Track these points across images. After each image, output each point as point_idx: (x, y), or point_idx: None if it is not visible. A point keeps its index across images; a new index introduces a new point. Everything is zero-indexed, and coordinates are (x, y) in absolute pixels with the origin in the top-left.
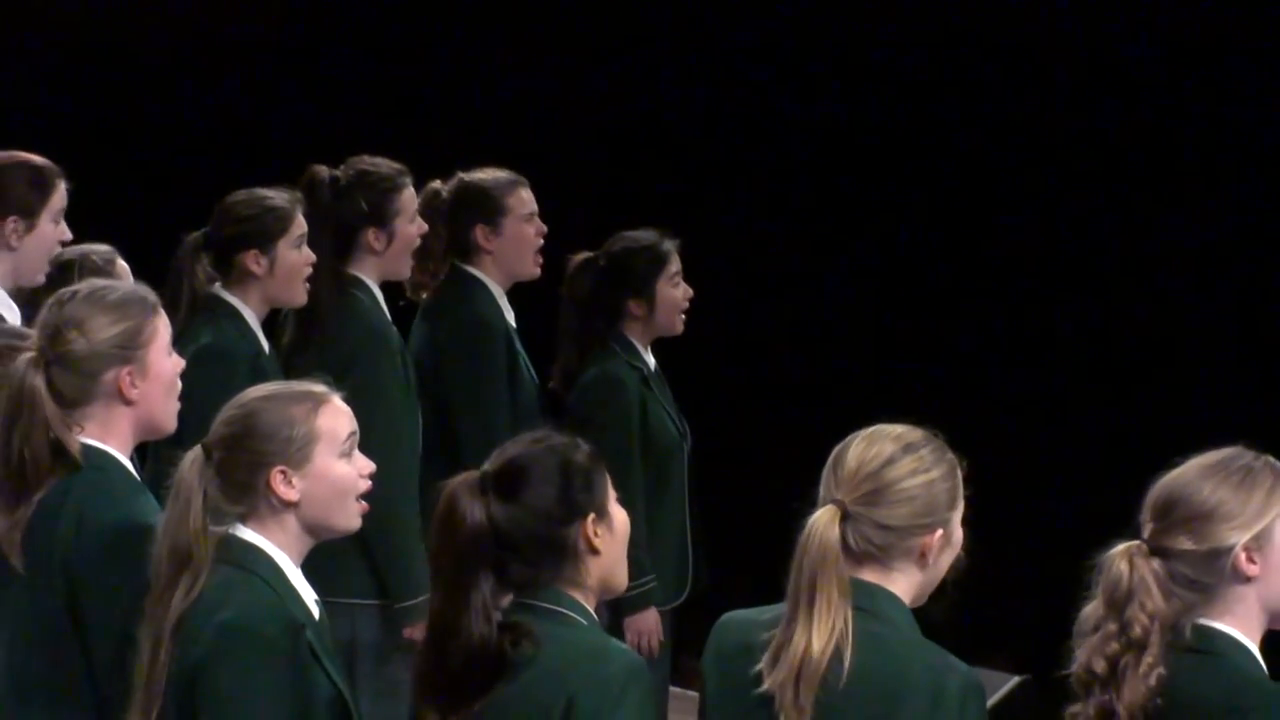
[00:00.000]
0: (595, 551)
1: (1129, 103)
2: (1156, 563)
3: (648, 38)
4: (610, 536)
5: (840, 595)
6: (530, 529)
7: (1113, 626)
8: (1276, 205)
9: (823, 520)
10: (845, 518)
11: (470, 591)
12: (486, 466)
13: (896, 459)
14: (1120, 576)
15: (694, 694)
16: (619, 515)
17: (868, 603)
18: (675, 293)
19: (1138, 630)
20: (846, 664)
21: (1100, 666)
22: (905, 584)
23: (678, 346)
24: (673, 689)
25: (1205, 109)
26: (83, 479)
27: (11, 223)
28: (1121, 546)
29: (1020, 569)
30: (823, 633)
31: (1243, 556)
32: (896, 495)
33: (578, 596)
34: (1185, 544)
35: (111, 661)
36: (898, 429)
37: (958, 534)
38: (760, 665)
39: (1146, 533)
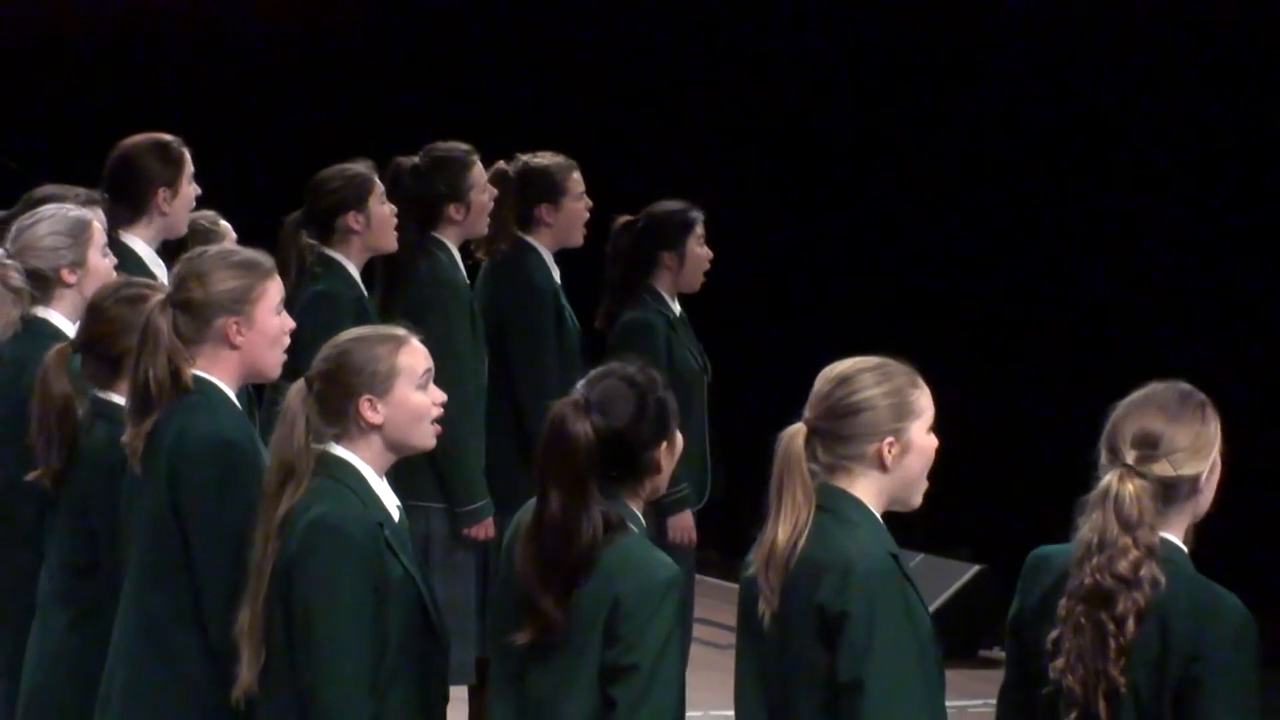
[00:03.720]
0: (660, 470)
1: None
2: (1143, 483)
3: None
4: (671, 458)
5: (804, 497)
6: (621, 449)
7: (1128, 539)
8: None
9: (789, 434)
10: (812, 434)
11: (587, 497)
12: (586, 392)
13: (848, 380)
14: (1130, 496)
15: (711, 580)
16: (679, 438)
17: (831, 504)
18: (701, 251)
19: (1149, 538)
20: (798, 551)
21: (1125, 570)
22: (871, 487)
23: (710, 299)
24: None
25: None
26: (189, 401)
27: (161, 193)
28: (1115, 473)
29: (979, 472)
30: (787, 527)
31: (1203, 479)
32: (848, 409)
33: (634, 506)
34: (1165, 470)
35: (204, 550)
36: (858, 357)
37: (921, 442)
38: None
39: (1131, 459)
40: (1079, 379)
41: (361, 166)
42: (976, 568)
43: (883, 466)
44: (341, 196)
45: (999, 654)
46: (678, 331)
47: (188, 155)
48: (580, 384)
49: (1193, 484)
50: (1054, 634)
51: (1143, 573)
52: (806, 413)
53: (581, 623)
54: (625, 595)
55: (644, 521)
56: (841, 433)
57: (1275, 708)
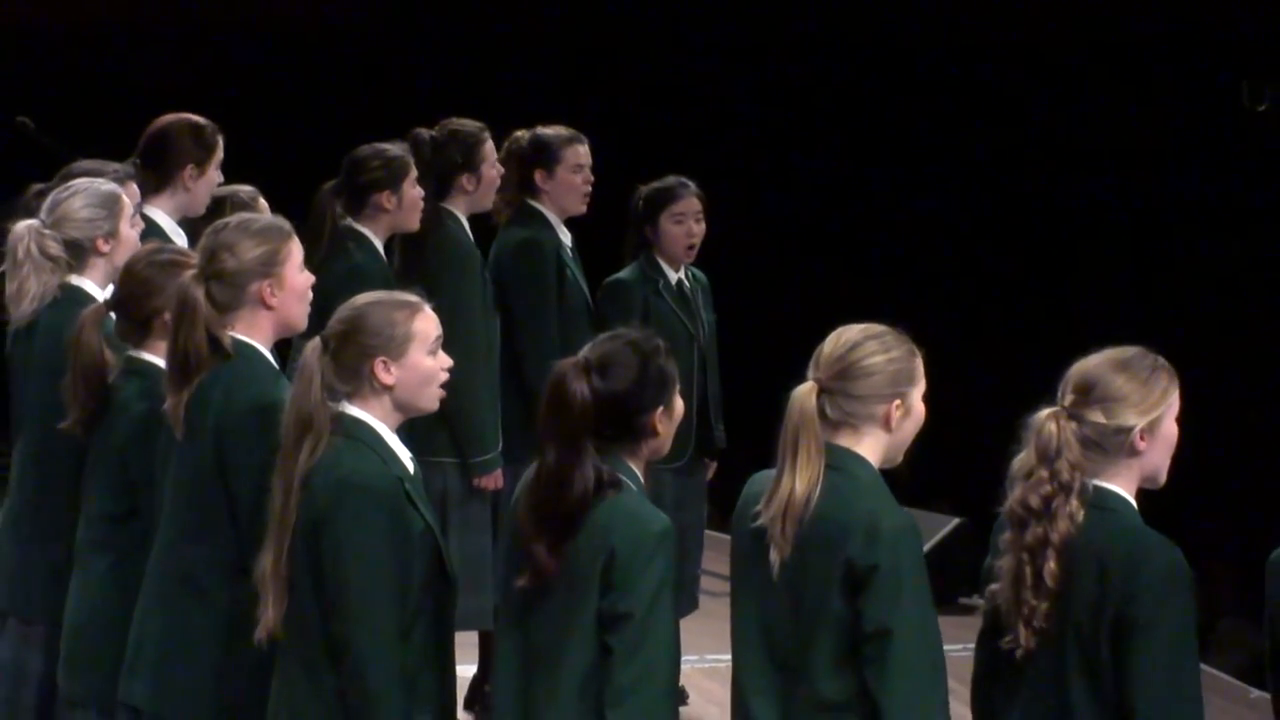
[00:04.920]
0: (657, 435)
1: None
2: (1074, 425)
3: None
4: (668, 422)
5: (816, 452)
6: (616, 411)
7: (1044, 473)
8: None
9: (802, 392)
10: (823, 392)
11: (582, 453)
12: (589, 353)
13: (860, 344)
14: (1051, 434)
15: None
16: (678, 405)
17: (839, 462)
18: (675, 229)
19: (1065, 476)
20: (812, 506)
21: (1035, 503)
22: (873, 446)
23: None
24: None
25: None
26: (232, 365)
27: (189, 170)
28: (1047, 411)
29: (962, 432)
30: (803, 480)
31: (1139, 436)
32: (860, 372)
33: (633, 465)
34: (1098, 417)
35: (250, 504)
36: (865, 325)
37: (918, 407)
38: (758, 506)
39: (1068, 402)
40: (1054, 344)
41: (399, 149)
42: (957, 520)
43: (887, 426)
44: (378, 176)
45: (978, 601)
46: (664, 296)
47: (220, 141)
48: (587, 345)
49: (1126, 435)
50: (998, 561)
51: (1054, 506)
52: (818, 372)
53: (580, 573)
54: (620, 547)
55: (642, 480)
56: (854, 393)
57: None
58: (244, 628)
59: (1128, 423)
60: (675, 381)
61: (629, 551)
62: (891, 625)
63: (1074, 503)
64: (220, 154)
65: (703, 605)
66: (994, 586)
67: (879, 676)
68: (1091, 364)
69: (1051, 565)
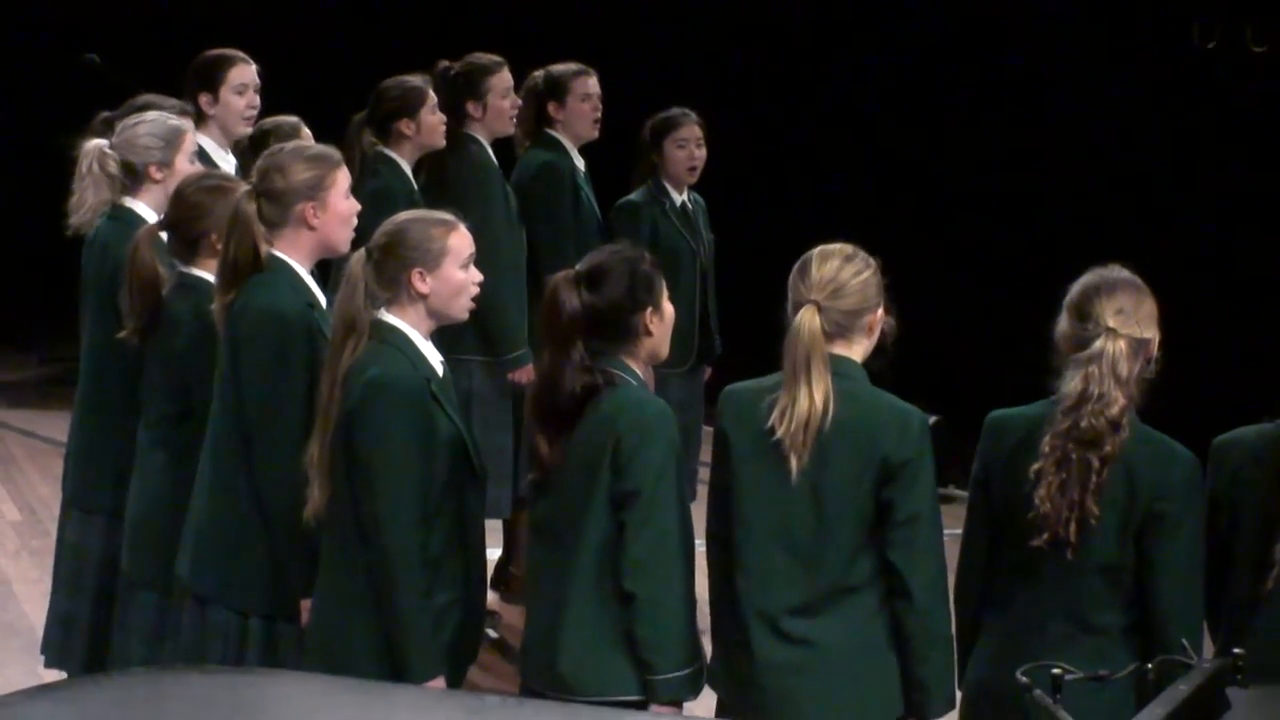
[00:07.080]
0: (649, 334)
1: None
2: (1124, 344)
3: None
4: (660, 323)
5: (826, 366)
6: (607, 315)
7: (1118, 391)
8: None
9: (808, 315)
10: (819, 310)
11: (571, 354)
12: (582, 265)
13: (844, 266)
14: (1120, 354)
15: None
16: (668, 308)
17: (842, 369)
18: (678, 153)
19: (1131, 391)
20: (831, 413)
21: (1117, 414)
22: (860, 351)
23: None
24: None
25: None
26: (260, 278)
27: (204, 99)
28: (1106, 335)
29: (937, 337)
30: (819, 393)
31: (1155, 348)
32: (849, 290)
33: (631, 364)
34: (1137, 333)
35: (254, 408)
36: (836, 246)
37: (884, 314)
38: (771, 420)
39: (1113, 323)
40: (1018, 261)
41: (418, 80)
42: (934, 418)
43: (870, 333)
44: (397, 105)
45: (954, 491)
46: (670, 216)
47: (233, 68)
48: (584, 258)
49: (1149, 347)
50: (1035, 466)
51: (1124, 420)
52: (810, 296)
53: (591, 461)
54: (624, 432)
55: (643, 378)
56: (846, 308)
57: None
58: (274, 514)
59: (1152, 334)
60: (662, 286)
61: (633, 434)
62: (922, 510)
63: (1126, 416)
64: (236, 77)
65: (701, 494)
66: (1041, 492)
67: (908, 557)
68: (1115, 289)
69: (1106, 472)
